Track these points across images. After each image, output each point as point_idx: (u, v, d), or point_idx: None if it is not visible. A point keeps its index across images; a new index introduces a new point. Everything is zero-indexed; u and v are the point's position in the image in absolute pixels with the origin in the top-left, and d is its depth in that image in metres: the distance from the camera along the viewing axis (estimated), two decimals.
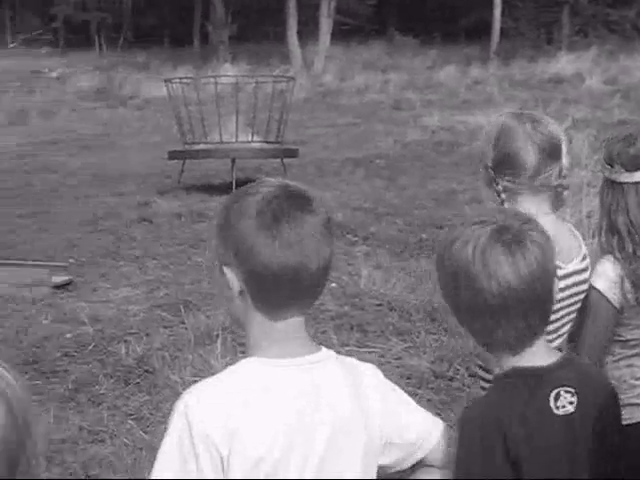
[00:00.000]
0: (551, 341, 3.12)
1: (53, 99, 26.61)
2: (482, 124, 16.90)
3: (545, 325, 2.31)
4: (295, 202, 2.08)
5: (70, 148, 18.53)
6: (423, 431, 2.29)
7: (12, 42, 47.31)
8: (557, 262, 3.04)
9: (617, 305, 3.19)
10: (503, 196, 3.17)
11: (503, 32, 35.45)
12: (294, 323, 2.13)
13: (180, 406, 2.01)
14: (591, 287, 3.19)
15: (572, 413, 2.22)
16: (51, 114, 24.05)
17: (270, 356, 2.11)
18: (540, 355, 2.27)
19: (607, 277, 3.17)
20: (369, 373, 2.25)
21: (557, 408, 2.22)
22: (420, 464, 2.31)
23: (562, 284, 3.08)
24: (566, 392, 2.23)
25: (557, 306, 3.08)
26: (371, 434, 2.17)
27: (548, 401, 2.21)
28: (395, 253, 9.08)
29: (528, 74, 26.92)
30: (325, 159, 15.61)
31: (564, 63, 27.73)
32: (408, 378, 5.88)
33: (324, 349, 2.20)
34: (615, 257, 3.19)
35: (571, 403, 2.23)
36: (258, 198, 2.08)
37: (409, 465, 2.32)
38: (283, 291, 2.08)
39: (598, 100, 21.28)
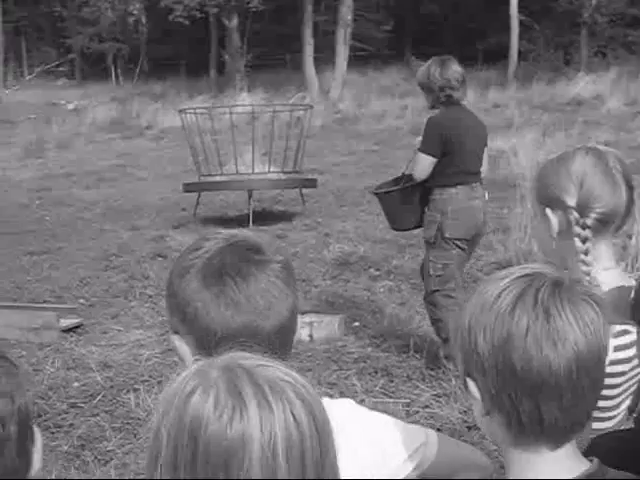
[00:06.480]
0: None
1: (69, 131, 26.35)
2: (503, 149, 16.53)
3: None
4: (241, 255, 1.81)
5: (85, 181, 18.24)
6: None
7: (29, 74, 47.25)
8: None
9: None
10: (588, 244, 2.59)
11: (521, 55, 35.05)
12: None
13: None
14: None
15: None
16: (67, 146, 23.80)
17: None
18: None
19: None
20: None
21: None
22: None
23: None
24: None
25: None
26: None
27: None
28: (419, 288, 8.66)
29: (547, 97, 26.48)
30: (344, 188, 15.17)
31: (583, 85, 27.26)
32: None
33: None
34: None
35: None
36: (200, 254, 1.83)
37: None
38: None
39: (619, 122, 20.84)
